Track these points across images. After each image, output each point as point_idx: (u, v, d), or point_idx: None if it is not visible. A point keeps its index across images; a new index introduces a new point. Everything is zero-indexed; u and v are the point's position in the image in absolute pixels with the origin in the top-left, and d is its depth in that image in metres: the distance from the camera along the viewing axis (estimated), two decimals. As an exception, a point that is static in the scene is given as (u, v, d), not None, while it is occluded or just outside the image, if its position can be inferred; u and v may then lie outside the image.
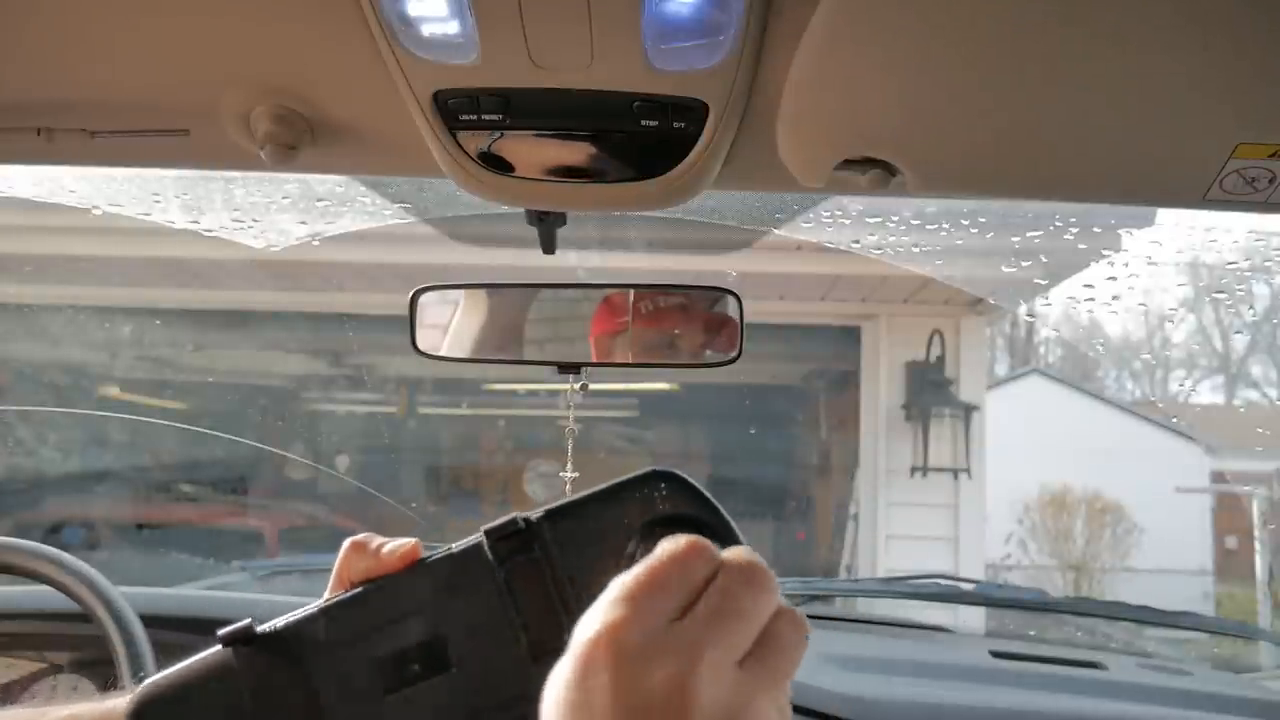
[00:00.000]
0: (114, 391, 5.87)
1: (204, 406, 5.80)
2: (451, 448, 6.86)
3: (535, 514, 0.54)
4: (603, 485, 0.54)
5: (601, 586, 0.47)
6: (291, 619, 0.54)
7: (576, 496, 0.54)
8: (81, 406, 5.85)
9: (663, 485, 0.53)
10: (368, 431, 6.49)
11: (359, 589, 0.55)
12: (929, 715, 1.30)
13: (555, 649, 0.47)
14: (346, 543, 0.57)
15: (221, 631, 0.52)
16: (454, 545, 0.55)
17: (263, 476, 5.69)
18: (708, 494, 0.53)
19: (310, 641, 0.53)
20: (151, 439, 5.63)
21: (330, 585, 0.57)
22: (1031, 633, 1.95)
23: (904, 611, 1.88)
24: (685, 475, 0.53)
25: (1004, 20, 0.59)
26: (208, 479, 5.57)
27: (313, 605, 0.54)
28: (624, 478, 0.54)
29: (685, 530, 0.51)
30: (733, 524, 0.52)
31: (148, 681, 0.54)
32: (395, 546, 0.56)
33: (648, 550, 0.50)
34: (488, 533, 0.53)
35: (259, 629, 0.53)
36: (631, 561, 0.51)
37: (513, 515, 0.53)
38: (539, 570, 0.52)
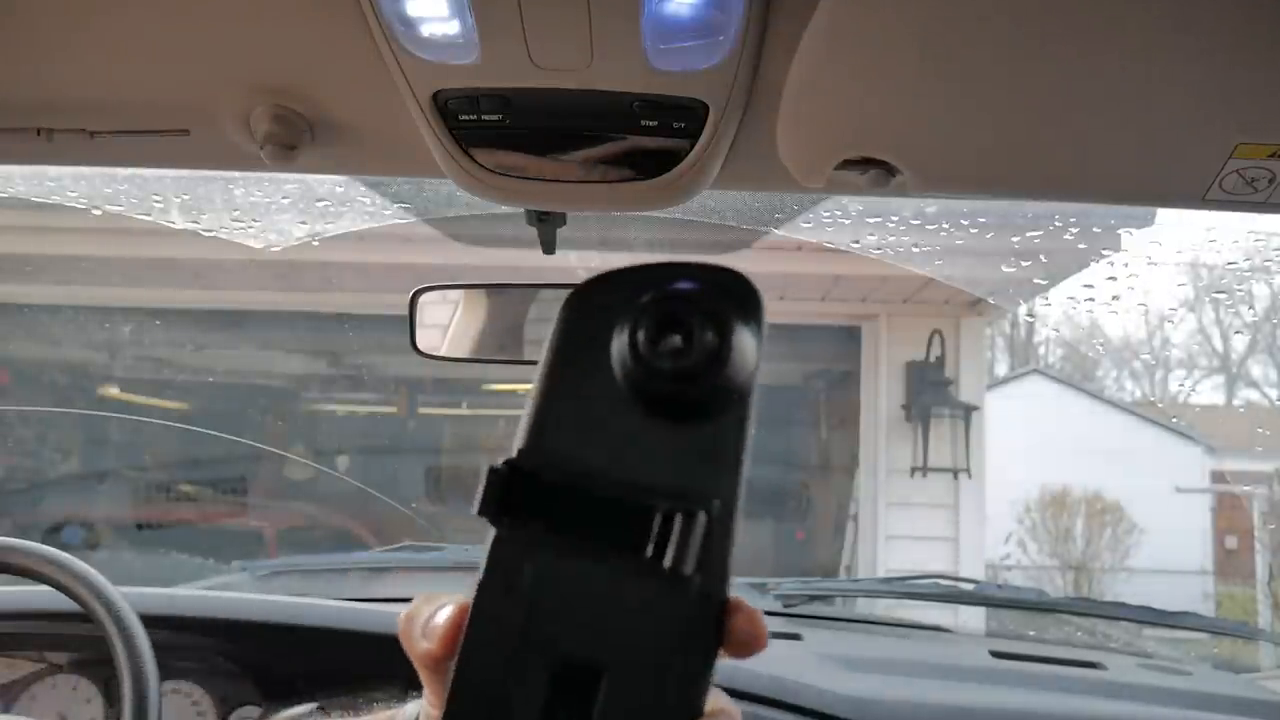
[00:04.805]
0: (114, 391, 5.87)
1: (204, 406, 5.79)
2: (451, 448, 6.85)
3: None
4: None
5: None
6: None
7: None
8: (81, 406, 5.85)
9: None
10: (368, 431, 6.49)
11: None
12: (929, 715, 1.29)
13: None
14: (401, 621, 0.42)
15: None
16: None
17: (263, 476, 5.68)
18: None
19: None
20: (151, 439, 5.63)
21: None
22: (1031, 633, 1.95)
23: (904, 611, 1.88)
24: None
25: (1004, 20, 0.59)
26: (208, 479, 5.56)
27: None
28: None
29: None
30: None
31: None
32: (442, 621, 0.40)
33: None
34: None
35: None
36: None
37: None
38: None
